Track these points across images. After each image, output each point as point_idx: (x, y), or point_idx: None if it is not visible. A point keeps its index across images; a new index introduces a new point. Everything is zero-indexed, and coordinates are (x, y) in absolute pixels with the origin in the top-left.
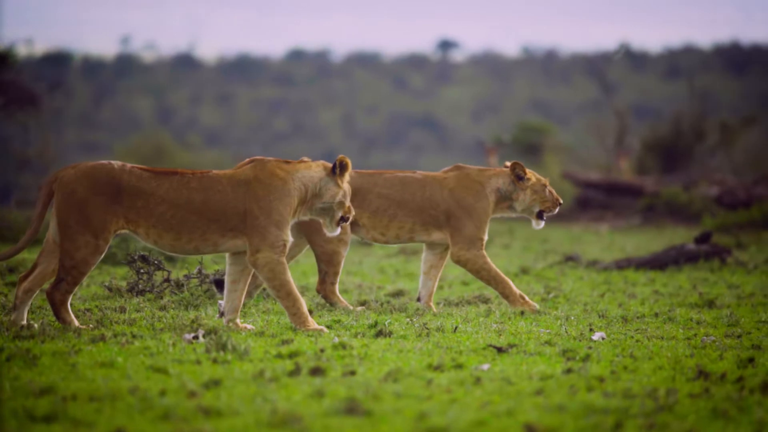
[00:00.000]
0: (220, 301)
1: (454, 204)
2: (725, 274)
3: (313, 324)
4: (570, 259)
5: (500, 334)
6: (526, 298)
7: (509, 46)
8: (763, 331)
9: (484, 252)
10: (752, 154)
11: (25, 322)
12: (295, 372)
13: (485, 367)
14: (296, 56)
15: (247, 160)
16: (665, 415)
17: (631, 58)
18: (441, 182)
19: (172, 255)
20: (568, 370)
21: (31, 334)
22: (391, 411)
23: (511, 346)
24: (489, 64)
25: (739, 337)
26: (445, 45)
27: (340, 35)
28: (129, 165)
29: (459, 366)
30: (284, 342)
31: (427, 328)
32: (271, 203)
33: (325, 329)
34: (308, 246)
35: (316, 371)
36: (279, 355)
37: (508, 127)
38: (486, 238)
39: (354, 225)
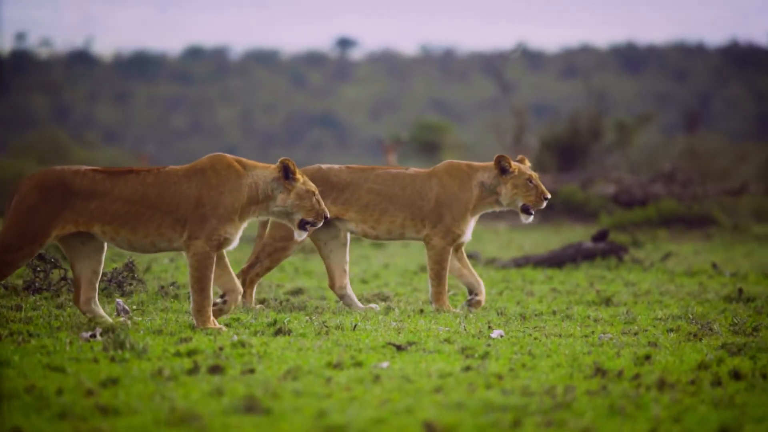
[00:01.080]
0: (118, 300)
1: (442, 192)
2: (622, 271)
3: (213, 324)
4: (469, 257)
5: (399, 332)
6: (449, 304)
7: (407, 45)
8: (659, 328)
9: (450, 249)
10: (648, 152)
11: (105, 316)
12: (193, 370)
13: (384, 365)
14: (194, 54)
15: (207, 156)
16: (563, 413)
17: (529, 57)
18: (430, 174)
19: (132, 253)
20: (467, 368)
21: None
22: (290, 409)
23: (411, 343)
24: (387, 62)
25: (635, 334)
26: (344, 43)
27: (238, 32)
28: (84, 168)
29: (358, 364)
30: (183, 340)
31: (326, 326)
32: (221, 195)
33: (224, 328)
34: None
35: (215, 369)
36: (177, 354)
37: (407, 125)
38: (461, 232)
39: (345, 220)
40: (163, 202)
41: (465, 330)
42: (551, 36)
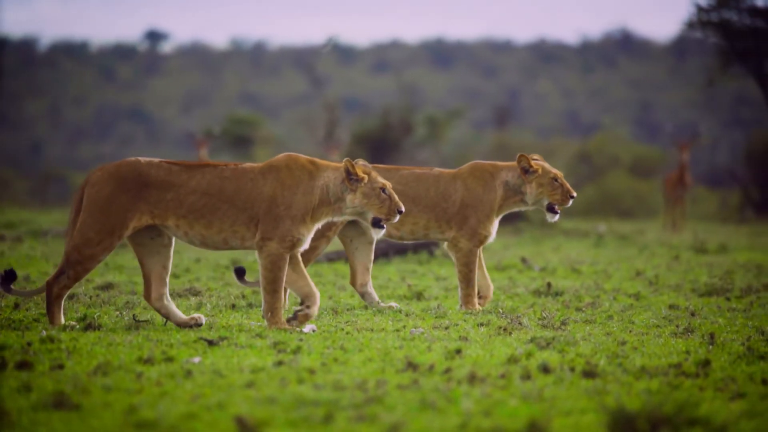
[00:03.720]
0: None
1: (466, 193)
2: (433, 266)
3: (284, 324)
4: None
5: (211, 327)
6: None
7: (218, 38)
8: (469, 322)
9: (479, 250)
10: (459, 147)
11: (184, 317)
12: (1, 366)
13: (196, 360)
14: None
15: (281, 155)
16: (374, 407)
17: (340, 52)
18: (455, 175)
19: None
20: (279, 363)
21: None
22: (100, 405)
23: (222, 338)
24: (198, 56)
25: (446, 328)
26: (153, 36)
27: (45, 23)
28: (157, 160)
29: (170, 359)
30: None
31: (137, 321)
32: (294, 195)
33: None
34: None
35: (22, 365)
36: None
37: (219, 119)
38: (488, 233)
39: None
40: (239, 197)
41: None
42: (362, 31)
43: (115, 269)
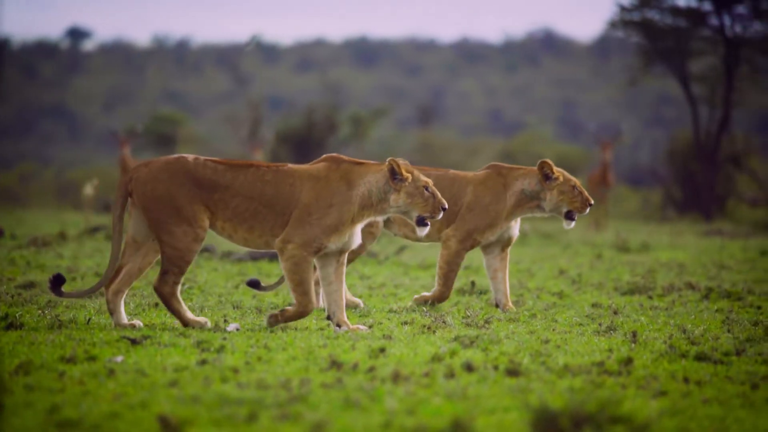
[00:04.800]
0: None
1: (474, 200)
2: (357, 264)
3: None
4: (205, 250)
5: (134, 326)
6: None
7: (141, 36)
8: (393, 321)
9: (465, 254)
10: (383, 145)
11: (126, 321)
12: None
13: (119, 359)
14: None
15: (323, 156)
16: (298, 406)
17: (264, 50)
18: (469, 179)
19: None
20: (203, 362)
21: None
22: (22, 404)
23: (146, 337)
24: (121, 53)
25: (370, 327)
26: (76, 33)
27: None
28: (203, 158)
29: (92, 358)
30: None
31: (59, 320)
32: (330, 207)
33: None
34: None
35: None
36: None
37: (141, 117)
38: (483, 239)
39: (387, 221)
40: (278, 201)
41: None
42: (286, 29)
43: (36, 268)
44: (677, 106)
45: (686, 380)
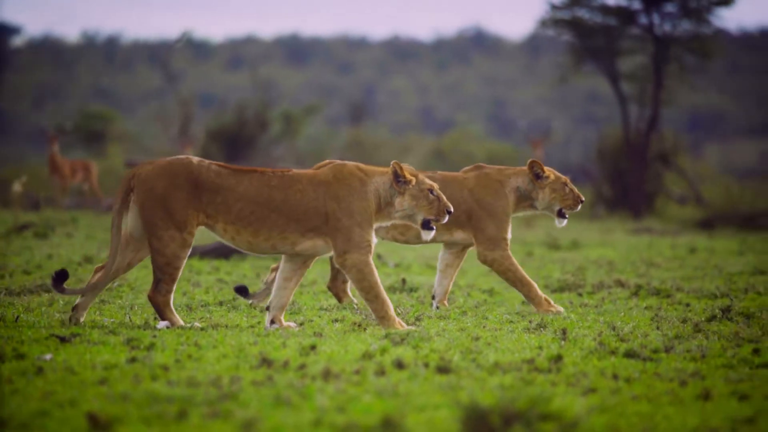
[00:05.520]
0: None
1: (475, 204)
2: None
3: (402, 325)
4: None
5: (63, 324)
6: (551, 302)
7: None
8: (324, 318)
9: (510, 253)
10: (315, 143)
11: (83, 319)
12: None
13: (48, 356)
14: None
15: (325, 162)
16: (229, 403)
17: (194, 47)
18: (461, 182)
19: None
20: (133, 359)
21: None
22: None
23: (75, 335)
24: (50, 50)
25: (301, 324)
26: (4, 29)
27: None
28: (207, 161)
29: (21, 356)
30: None
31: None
32: (351, 204)
33: (413, 328)
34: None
35: None
36: None
37: (71, 114)
38: (509, 237)
39: None
40: (287, 207)
41: (131, 321)
42: (216, 26)
43: None
44: (607, 104)
45: (615, 377)
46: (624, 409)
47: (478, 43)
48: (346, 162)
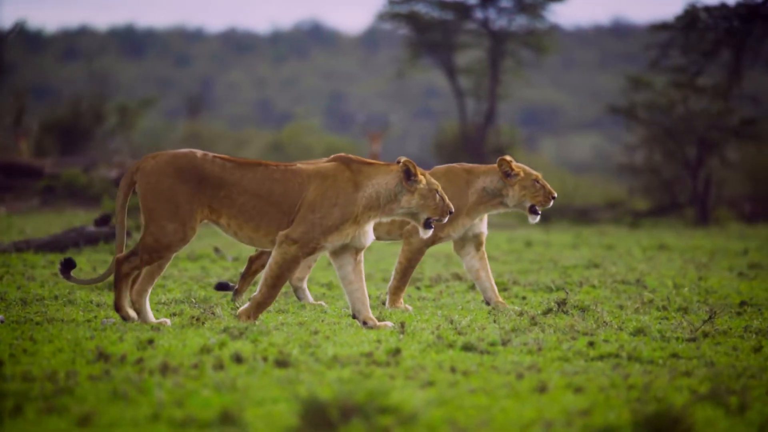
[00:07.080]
0: None
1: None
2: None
3: (252, 319)
4: None
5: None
6: (402, 302)
7: None
8: (162, 312)
9: (425, 250)
10: (151, 136)
11: (153, 319)
12: None
13: None
14: None
15: (332, 156)
16: (65, 398)
17: (27, 39)
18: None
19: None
20: None
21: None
22: None
23: None
24: None
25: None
26: None
27: None
28: (211, 154)
29: None
30: None
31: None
32: (333, 207)
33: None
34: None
35: None
36: None
37: None
38: (445, 235)
39: None
40: (286, 201)
41: None
42: (49, 16)
43: None
44: (444, 98)
45: (453, 370)
46: (462, 402)
47: (315, 37)
48: (352, 158)
